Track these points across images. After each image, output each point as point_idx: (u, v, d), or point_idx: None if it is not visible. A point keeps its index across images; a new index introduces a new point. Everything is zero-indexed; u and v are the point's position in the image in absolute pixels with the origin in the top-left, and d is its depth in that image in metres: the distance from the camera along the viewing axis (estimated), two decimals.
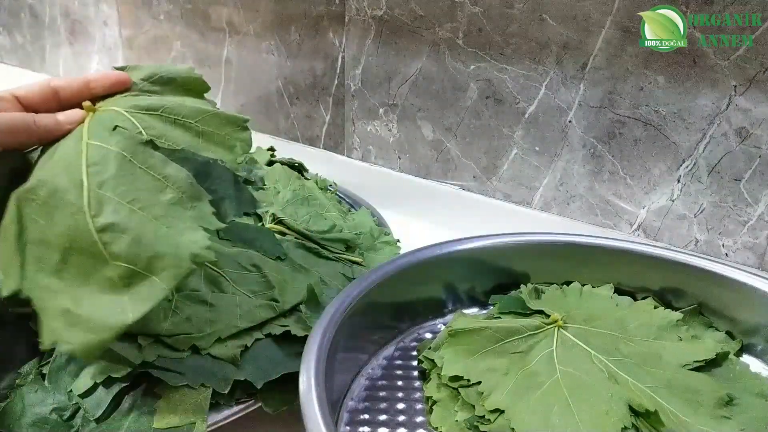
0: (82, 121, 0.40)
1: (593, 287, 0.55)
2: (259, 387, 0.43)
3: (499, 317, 0.50)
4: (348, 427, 0.43)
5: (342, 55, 0.91)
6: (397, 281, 0.51)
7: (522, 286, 0.55)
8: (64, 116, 0.40)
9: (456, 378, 0.43)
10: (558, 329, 0.46)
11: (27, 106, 0.41)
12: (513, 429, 0.39)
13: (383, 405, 0.45)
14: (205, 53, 1.09)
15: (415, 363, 0.50)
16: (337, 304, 0.45)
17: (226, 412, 0.42)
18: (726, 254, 0.67)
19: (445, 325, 0.53)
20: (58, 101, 0.42)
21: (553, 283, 0.56)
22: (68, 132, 0.40)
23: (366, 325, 0.49)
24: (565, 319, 0.47)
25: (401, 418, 0.44)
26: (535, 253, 0.57)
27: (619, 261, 0.55)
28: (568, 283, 0.56)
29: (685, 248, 0.69)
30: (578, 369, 0.42)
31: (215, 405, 0.42)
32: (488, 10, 0.74)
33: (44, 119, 0.39)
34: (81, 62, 1.38)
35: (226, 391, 0.42)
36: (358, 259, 0.60)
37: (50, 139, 0.40)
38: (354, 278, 0.56)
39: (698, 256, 0.54)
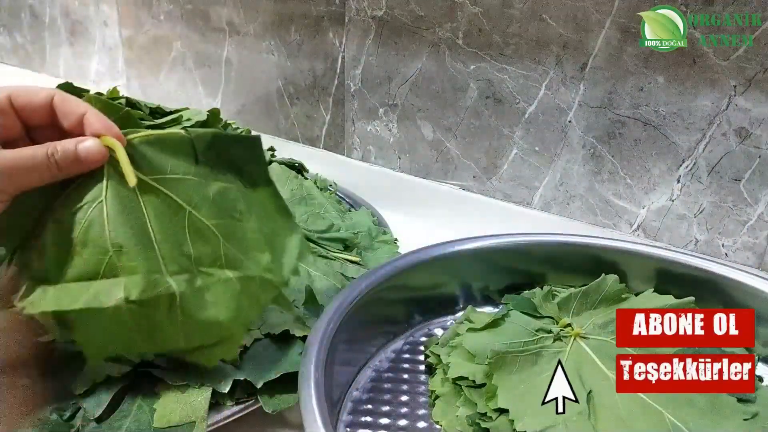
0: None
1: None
2: (258, 387, 0.43)
3: (509, 315, 0.50)
4: (351, 416, 0.43)
5: (342, 55, 0.91)
6: (408, 276, 0.51)
7: (537, 288, 0.55)
8: (86, 151, 0.34)
9: (462, 378, 0.44)
10: (574, 339, 0.46)
11: (24, 119, 0.35)
12: (515, 430, 0.39)
13: (387, 396, 0.46)
14: (205, 53, 1.09)
15: (422, 357, 0.50)
16: (342, 298, 0.45)
17: (226, 412, 0.42)
18: (726, 254, 0.67)
19: (455, 321, 0.53)
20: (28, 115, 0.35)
21: (572, 286, 0.55)
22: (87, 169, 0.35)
23: (374, 319, 0.49)
24: (581, 325, 0.47)
25: (404, 410, 0.44)
26: (552, 254, 0.57)
27: (626, 262, 0.55)
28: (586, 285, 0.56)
29: (685, 248, 0.69)
30: (586, 377, 0.43)
31: (215, 404, 0.42)
32: (488, 10, 0.74)
33: (64, 155, 0.33)
34: (81, 62, 1.38)
35: (226, 391, 0.42)
36: (356, 258, 0.60)
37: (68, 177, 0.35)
38: (352, 278, 0.56)
39: (698, 256, 0.54)
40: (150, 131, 0.38)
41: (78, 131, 0.36)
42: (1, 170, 0.32)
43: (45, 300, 0.35)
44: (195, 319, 0.37)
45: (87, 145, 0.34)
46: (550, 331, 0.47)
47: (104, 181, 0.36)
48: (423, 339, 0.52)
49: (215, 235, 0.38)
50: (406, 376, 0.48)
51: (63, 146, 0.34)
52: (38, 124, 0.36)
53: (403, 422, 0.43)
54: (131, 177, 0.35)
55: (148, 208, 0.36)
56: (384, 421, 0.43)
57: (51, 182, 0.35)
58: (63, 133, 0.36)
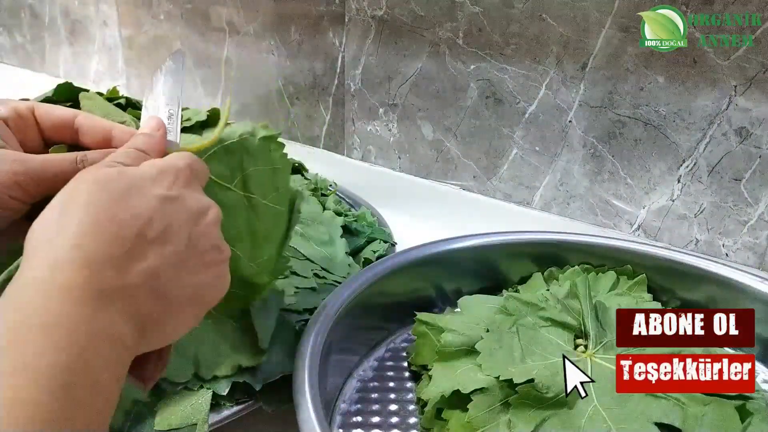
0: None
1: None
2: (258, 389, 0.43)
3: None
4: (341, 430, 0.43)
5: (342, 55, 0.91)
6: (387, 282, 0.51)
7: (504, 290, 0.55)
8: None
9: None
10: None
11: (45, 134, 0.35)
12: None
13: (376, 407, 0.45)
14: (205, 53, 1.09)
15: (405, 364, 0.50)
16: (330, 304, 0.45)
17: (226, 413, 0.42)
18: (726, 254, 0.67)
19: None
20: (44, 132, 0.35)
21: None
22: None
23: (357, 326, 0.49)
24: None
25: (394, 419, 0.44)
26: (525, 252, 0.57)
27: (616, 260, 0.55)
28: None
29: (685, 248, 0.69)
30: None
31: (215, 405, 0.42)
32: (488, 10, 0.74)
33: (92, 162, 0.32)
34: (81, 62, 1.38)
35: (225, 393, 0.42)
36: None
37: None
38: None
39: (698, 256, 0.54)
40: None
41: (103, 148, 0.35)
42: (27, 173, 0.31)
43: None
44: None
45: None
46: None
47: None
48: (404, 344, 0.52)
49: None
50: (392, 384, 0.47)
51: (92, 155, 0.33)
52: (59, 140, 0.36)
53: None
54: None
55: None
56: None
57: None
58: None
